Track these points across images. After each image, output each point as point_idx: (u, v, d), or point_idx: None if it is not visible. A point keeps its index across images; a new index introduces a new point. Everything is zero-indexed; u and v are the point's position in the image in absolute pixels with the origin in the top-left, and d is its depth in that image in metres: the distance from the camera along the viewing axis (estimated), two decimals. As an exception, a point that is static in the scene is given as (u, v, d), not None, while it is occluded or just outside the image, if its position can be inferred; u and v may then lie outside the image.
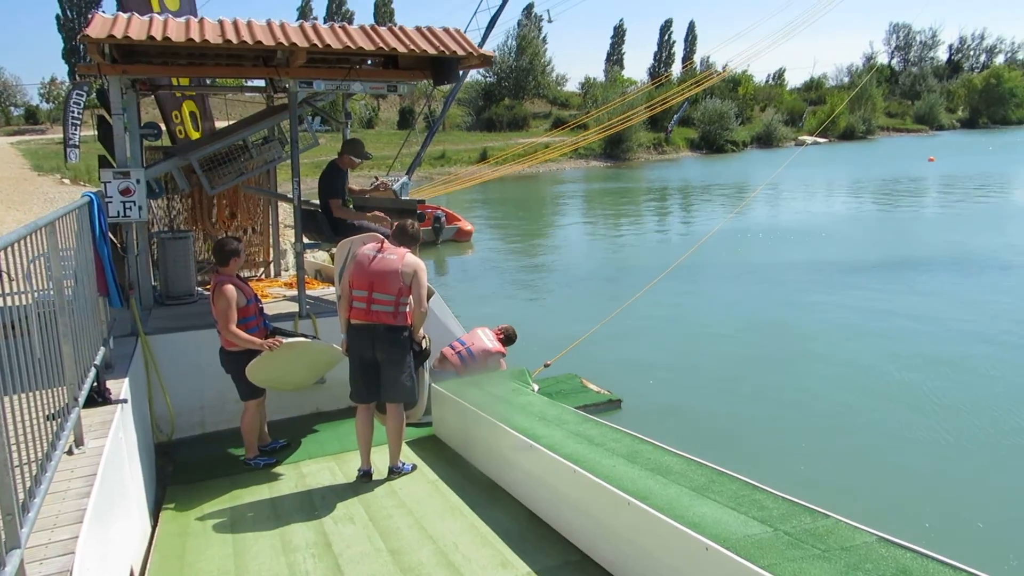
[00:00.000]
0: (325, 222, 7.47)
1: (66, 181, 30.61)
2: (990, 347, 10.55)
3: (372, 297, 5.22)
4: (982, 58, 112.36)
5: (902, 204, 29.66)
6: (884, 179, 38.13)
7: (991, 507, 6.26)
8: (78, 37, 6.01)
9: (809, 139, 60.08)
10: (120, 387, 4.89)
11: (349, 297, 5.32)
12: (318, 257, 12.01)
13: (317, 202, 7.63)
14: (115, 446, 4.11)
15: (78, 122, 11.57)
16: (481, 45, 7.83)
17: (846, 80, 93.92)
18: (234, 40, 6.08)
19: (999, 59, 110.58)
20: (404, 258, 5.26)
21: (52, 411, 3.50)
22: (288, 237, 10.87)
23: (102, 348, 4.94)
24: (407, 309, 5.27)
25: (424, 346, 5.52)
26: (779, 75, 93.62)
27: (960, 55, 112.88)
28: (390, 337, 5.26)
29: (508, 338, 7.65)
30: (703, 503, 3.82)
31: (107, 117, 7.10)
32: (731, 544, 3.36)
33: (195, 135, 9.81)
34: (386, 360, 5.30)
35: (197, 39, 5.98)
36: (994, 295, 13.70)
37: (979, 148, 59.23)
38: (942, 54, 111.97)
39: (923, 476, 6.84)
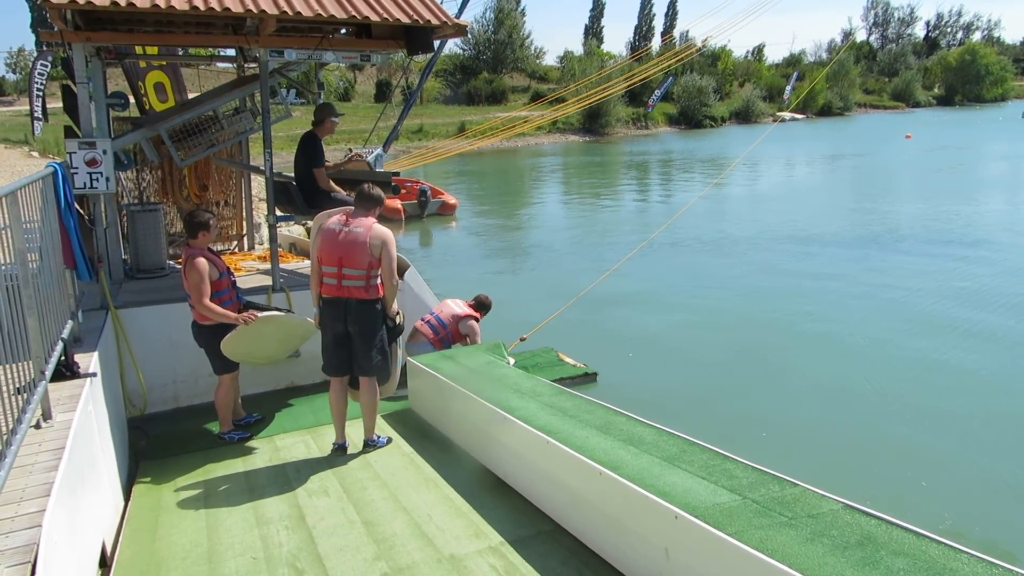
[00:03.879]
0: (299, 194, 7.38)
1: (34, 154, 30.02)
2: (963, 317, 10.71)
3: (342, 273, 5.16)
4: (959, 35, 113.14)
5: (875, 180, 29.91)
6: (862, 154, 38.37)
7: (952, 474, 6.39)
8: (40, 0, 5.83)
9: (787, 115, 60.32)
10: (89, 361, 4.82)
11: (319, 273, 5.27)
12: (292, 230, 11.90)
13: (290, 174, 7.53)
14: (84, 420, 4.07)
15: (42, 93, 11.31)
16: (458, 16, 7.72)
17: (825, 56, 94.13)
18: (201, 7, 5.95)
19: (976, 36, 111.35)
20: (371, 230, 5.16)
21: (18, 385, 3.45)
22: (262, 210, 10.74)
23: (70, 321, 4.85)
24: (378, 282, 5.22)
25: (398, 322, 5.48)
26: (758, 50, 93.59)
27: (937, 32, 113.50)
28: (362, 310, 5.22)
29: (481, 304, 7.65)
30: (674, 472, 3.85)
31: (72, 87, 6.93)
32: (700, 512, 3.40)
33: (159, 107, 9.60)
34: (357, 333, 5.26)
35: (163, 5, 5.84)
36: (964, 265, 13.90)
37: (954, 124, 59.76)
38: (919, 31, 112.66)
39: (891, 445, 6.96)
